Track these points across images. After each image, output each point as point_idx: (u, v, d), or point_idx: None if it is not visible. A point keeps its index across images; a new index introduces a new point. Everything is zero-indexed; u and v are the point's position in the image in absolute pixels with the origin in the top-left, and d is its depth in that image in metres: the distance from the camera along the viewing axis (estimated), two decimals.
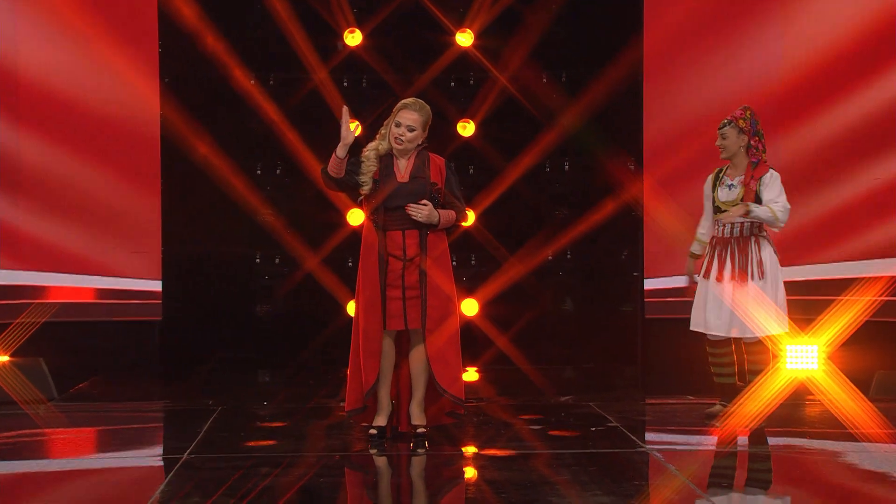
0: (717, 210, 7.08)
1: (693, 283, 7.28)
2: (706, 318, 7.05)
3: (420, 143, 6.51)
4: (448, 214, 6.49)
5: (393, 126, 6.48)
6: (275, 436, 6.97)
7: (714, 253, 7.07)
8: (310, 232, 9.55)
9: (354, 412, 6.59)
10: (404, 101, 6.53)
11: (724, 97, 8.56)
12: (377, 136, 6.59)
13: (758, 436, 6.84)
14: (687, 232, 7.84)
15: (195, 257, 9.52)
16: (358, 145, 6.62)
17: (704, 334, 7.18)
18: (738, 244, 7.02)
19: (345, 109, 6.42)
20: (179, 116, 9.18)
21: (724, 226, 7.04)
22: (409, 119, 6.45)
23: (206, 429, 7.01)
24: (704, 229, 7.29)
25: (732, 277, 6.99)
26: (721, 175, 7.14)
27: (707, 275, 7.05)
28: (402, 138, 6.44)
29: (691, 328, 7.19)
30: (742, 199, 6.98)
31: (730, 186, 7.06)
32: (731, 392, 7.18)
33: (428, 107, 6.53)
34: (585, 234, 9.51)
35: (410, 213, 6.37)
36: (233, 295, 9.65)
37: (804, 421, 7.46)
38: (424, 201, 6.39)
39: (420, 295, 6.43)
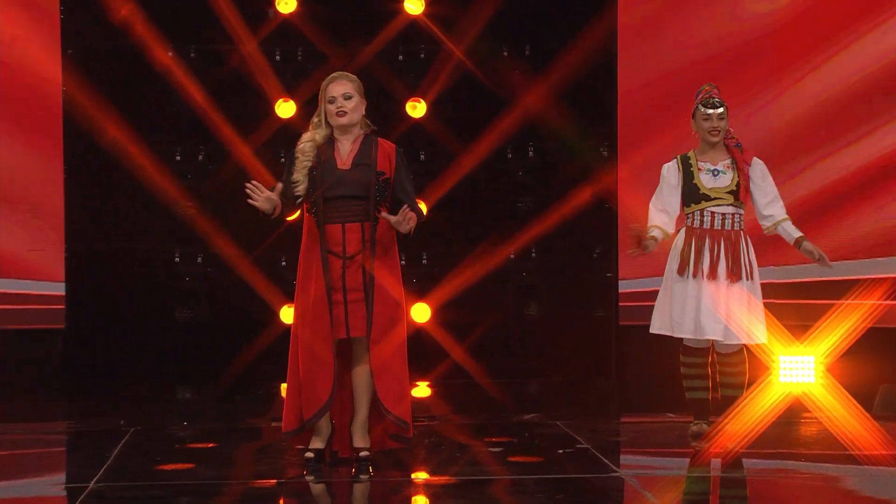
0: (702, 198, 7.10)
1: (639, 247, 7.10)
2: (701, 322, 7.03)
3: (363, 115, 6.51)
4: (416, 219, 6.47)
5: (327, 105, 6.47)
6: (197, 461, 6.93)
7: (703, 246, 7.07)
8: (237, 226, 9.50)
9: (292, 434, 6.57)
10: (327, 78, 6.55)
11: (711, 73, 8.59)
12: (310, 127, 6.56)
13: (746, 458, 6.88)
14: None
15: (104, 256, 9.44)
16: (295, 130, 6.60)
17: (681, 341, 7.20)
18: (729, 239, 7.06)
19: (251, 186, 6.36)
20: (85, 94, 9.09)
21: (713, 216, 7.06)
22: (341, 88, 6.47)
23: (116, 453, 6.97)
24: (667, 221, 7.18)
25: (728, 276, 7.02)
26: (695, 161, 7.16)
27: (696, 272, 7.07)
28: (344, 108, 6.44)
29: (677, 335, 7.17)
30: (738, 185, 7.04)
31: (715, 172, 7.10)
32: (705, 409, 7.21)
33: (356, 77, 6.56)
34: (552, 230, 9.53)
35: (407, 225, 6.31)
36: (148, 299, 9.59)
37: (799, 441, 7.52)
38: (405, 209, 6.35)
39: (364, 298, 6.42)
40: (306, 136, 6.53)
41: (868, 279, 8.50)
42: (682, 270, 7.10)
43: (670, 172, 7.21)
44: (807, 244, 7.12)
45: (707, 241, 7.08)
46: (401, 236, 6.55)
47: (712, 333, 7.03)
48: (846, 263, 8.57)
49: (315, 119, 6.56)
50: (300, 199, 6.47)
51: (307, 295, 6.47)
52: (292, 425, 6.54)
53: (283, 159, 7.08)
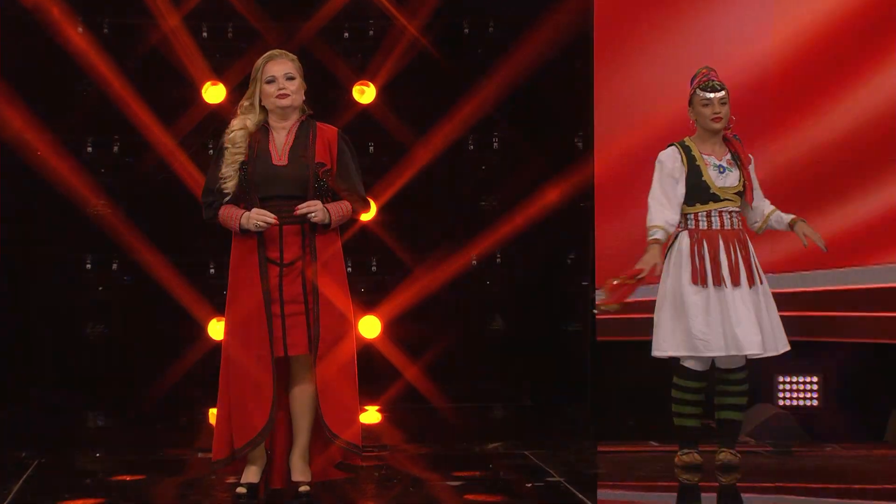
0: (711, 199, 7.09)
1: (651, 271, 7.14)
2: (737, 336, 6.98)
3: (304, 100, 6.52)
4: (340, 208, 6.47)
5: (264, 85, 6.46)
6: (111, 497, 6.90)
7: (718, 250, 7.06)
8: (158, 229, 9.49)
9: (222, 463, 6.56)
10: (264, 56, 6.54)
11: (700, 51, 8.63)
12: (238, 112, 6.55)
13: (742, 493, 6.91)
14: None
15: (2, 263, 9.39)
16: (225, 117, 6.60)
17: (675, 360, 7.21)
18: (741, 241, 7.08)
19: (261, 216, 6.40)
20: None
21: (721, 216, 7.06)
22: (283, 68, 6.47)
23: (17, 489, 6.92)
24: (672, 217, 7.19)
25: (749, 281, 7.04)
26: (698, 153, 7.15)
27: (718, 280, 7.04)
28: (286, 90, 6.43)
29: (678, 352, 7.16)
30: (745, 185, 7.06)
31: (721, 169, 7.11)
32: (695, 436, 7.22)
33: (297, 57, 6.59)
34: (520, 232, 9.56)
35: (305, 212, 6.33)
36: (54, 312, 9.56)
37: (801, 472, 7.56)
38: (315, 202, 6.36)
39: (304, 311, 6.42)
40: (236, 124, 6.50)
41: (879, 288, 8.55)
42: (702, 279, 7.04)
43: (674, 162, 7.11)
44: (802, 225, 7.13)
45: (721, 243, 7.08)
46: (348, 242, 6.55)
47: (750, 347, 6.99)
48: (854, 270, 8.64)
49: (245, 103, 6.53)
50: (228, 198, 6.45)
51: (239, 307, 6.45)
52: (222, 453, 6.52)
53: (211, 150, 7.07)
